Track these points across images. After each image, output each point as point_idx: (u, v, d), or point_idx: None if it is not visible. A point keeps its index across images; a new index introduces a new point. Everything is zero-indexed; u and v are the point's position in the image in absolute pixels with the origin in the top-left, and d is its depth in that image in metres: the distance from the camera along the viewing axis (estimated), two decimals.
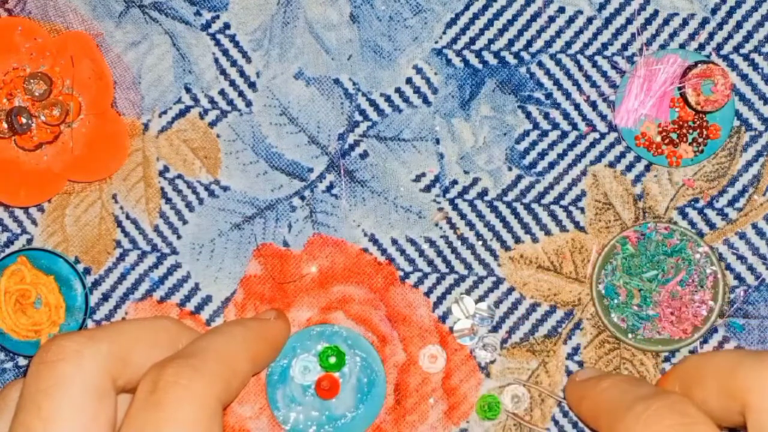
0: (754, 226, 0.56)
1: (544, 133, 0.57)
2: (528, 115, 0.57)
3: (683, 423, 0.39)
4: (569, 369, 0.56)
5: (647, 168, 0.56)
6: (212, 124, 0.58)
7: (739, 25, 0.56)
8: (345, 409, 0.55)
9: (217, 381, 0.41)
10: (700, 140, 0.55)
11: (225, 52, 0.58)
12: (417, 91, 0.57)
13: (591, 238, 0.56)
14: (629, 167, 0.57)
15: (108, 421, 0.40)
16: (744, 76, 0.56)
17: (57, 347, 0.40)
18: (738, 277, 0.56)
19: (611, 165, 0.57)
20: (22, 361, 0.58)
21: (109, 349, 0.41)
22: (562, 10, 0.57)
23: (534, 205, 0.57)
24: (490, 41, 0.57)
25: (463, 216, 0.57)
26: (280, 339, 0.53)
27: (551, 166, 0.57)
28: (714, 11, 0.57)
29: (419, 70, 0.57)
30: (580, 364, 0.56)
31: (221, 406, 0.41)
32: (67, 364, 0.40)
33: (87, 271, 0.58)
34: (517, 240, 0.57)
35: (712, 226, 0.56)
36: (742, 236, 0.56)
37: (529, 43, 0.57)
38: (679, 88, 0.55)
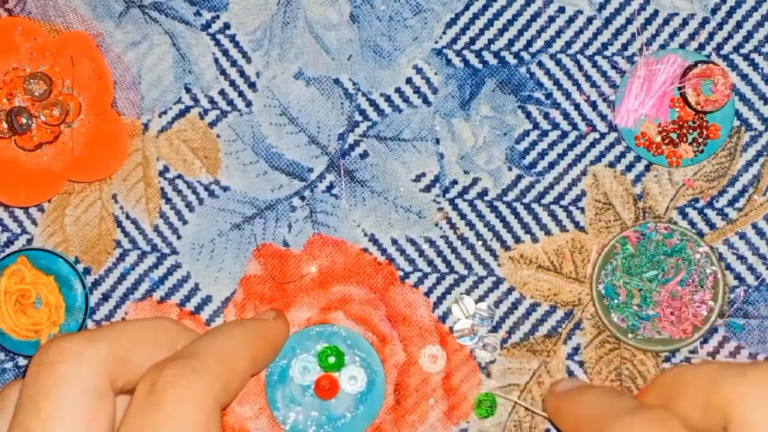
0: (754, 226, 0.56)
1: (544, 133, 0.57)
2: (528, 115, 0.57)
3: None
4: (570, 369, 0.56)
5: (647, 168, 0.56)
6: (212, 124, 0.58)
7: (739, 25, 0.56)
8: (345, 409, 0.55)
9: (216, 381, 0.41)
10: (700, 140, 0.55)
11: (225, 52, 0.58)
12: (417, 91, 0.57)
13: (591, 238, 0.56)
14: (629, 167, 0.57)
15: (107, 422, 0.40)
16: (744, 76, 0.56)
17: (56, 348, 0.40)
18: (738, 277, 0.56)
19: (611, 165, 0.57)
20: (22, 361, 0.58)
21: (108, 350, 0.41)
22: (562, 10, 0.57)
23: (534, 205, 0.57)
24: (490, 41, 0.57)
25: (463, 216, 0.57)
26: (279, 339, 0.53)
27: (551, 166, 0.57)
28: (714, 11, 0.56)
29: (419, 70, 0.57)
30: (581, 364, 0.56)
31: (220, 406, 0.41)
32: (67, 365, 0.40)
33: (87, 271, 0.58)
34: (517, 240, 0.57)
35: (712, 226, 0.56)
36: (742, 236, 0.56)
37: (529, 43, 0.57)
38: (679, 88, 0.55)
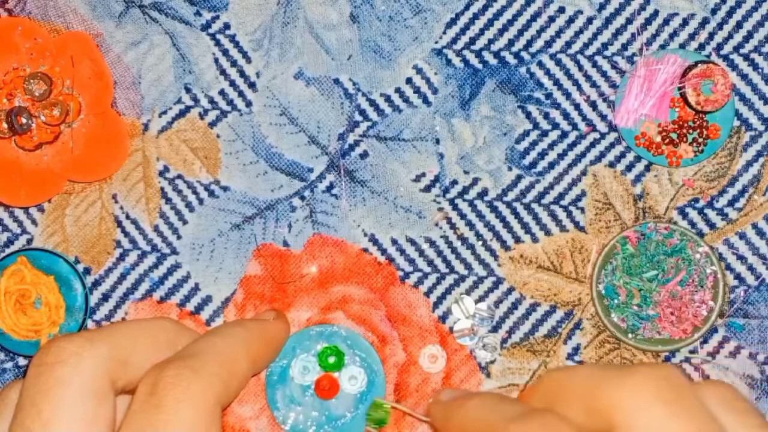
0: (754, 226, 0.56)
1: (544, 133, 0.57)
2: (528, 115, 0.57)
3: None
4: None
5: (647, 168, 0.56)
6: (212, 124, 0.58)
7: (739, 25, 0.56)
8: (345, 409, 0.55)
9: (216, 382, 0.41)
10: (700, 140, 0.55)
11: (225, 52, 0.58)
12: (417, 91, 0.57)
13: (591, 238, 0.56)
14: (629, 167, 0.57)
15: (107, 423, 0.40)
16: (744, 76, 0.56)
17: (56, 349, 0.40)
18: (738, 277, 0.56)
19: (611, 165, 0.57)
20: (22, 361, 0.58)
21: (108, 351, 0.41)
22: (562, 10, 0.57)
23: (534, 205, 0.57)
24: (490, 41, 0.57)
25: (463, 216, 0.57)
26: (279, 339, 0.53)
27: (551, 166, 0.57)
28: (714, 11, 0.56)
29: (419, 70, 0.57)
30: (581, 364, 0.56)
31: (220, 407, 0.41)
32: (67, 366, 0.40)
33: (87, 271, 0.58)
34: (517, 240, 0.57)
35: (712, 226, 0.56)
36: (742, 236, 0.56)
37: (529, 43, 0.57)
38: (679, 88, 0.55)
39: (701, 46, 0.57)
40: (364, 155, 0.57)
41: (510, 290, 0.57)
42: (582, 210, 0.57)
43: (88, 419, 0.39)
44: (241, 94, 0.58)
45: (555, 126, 0.57)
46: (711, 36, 0.57)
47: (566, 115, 0.57)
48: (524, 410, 0.40)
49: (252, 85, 0.58)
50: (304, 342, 0.55)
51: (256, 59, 0.58)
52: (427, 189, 0.57)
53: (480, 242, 0.57)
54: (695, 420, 0.36)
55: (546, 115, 0.57)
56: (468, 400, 0.45)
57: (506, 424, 0.40)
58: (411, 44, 0.57)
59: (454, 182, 0.57)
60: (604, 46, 0.57)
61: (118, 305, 0.58)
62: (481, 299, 0.57)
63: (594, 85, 0.57)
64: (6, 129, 0.56)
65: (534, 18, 0.57)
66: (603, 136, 0.57)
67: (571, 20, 0.57)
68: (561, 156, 0.57)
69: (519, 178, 0.57)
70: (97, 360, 0.40)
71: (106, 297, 0.58)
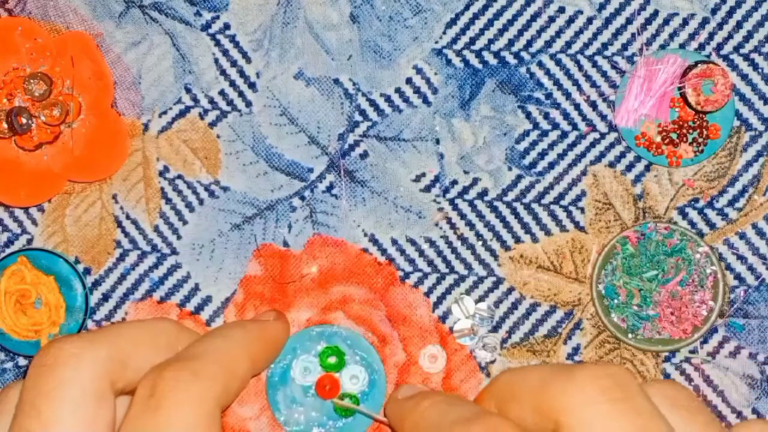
0: (754, 226, 0.56)
1: (544, 133, 0.57)
2: (528, 115, 0.57)
3: None
4: None
5: (647, 168, 0.56)
6: (212, 125, 0.58)
7: (739, 25, 0.56)
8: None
9: (216, 383, 0.41)
10: (700, 140, 0.55)
11: (225, 53, 0.58)
12: (417, 91, 0.57)
13: (591, 238, 0.56)
14: (629, 167, 0.57)
15: (107, 425, 0.40)
16: (744, 76, 0.56)
17: (56, 350, 0.40)
18: (738, 277, 0.56)
19: (611, 165, 0.57)
20: (22, 361, 0.58)
21: (108, 352, 0.41)
22: (562, 10, 0.57)
23: (534, 205, 0.57)
24: (490, 41, 0.57)
25: (463, 216, 0.57)
26: (279, 340, 0.53)
27: (551, 166, 0.57)
28: (714, 11, 0.56)
29: (419, 70, 0.57)
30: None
31: (220, 408, 0.41)
32: (67, 367, 0.40)
33: (87, 271, 0.58)
34: (517, 240, 0.57)
35: (712, 226, 0.56)
36: (742, 236, 0.56)
37: (529, 43, 0.57)
38: (679, 88, 0.55)
39: (701, 46, 0.56)
40: (364, 155, 0.57)
41: (510, 290, 0.57)
42: (582, 210, 0.57)
43: (88, 421, 0.39)
44: (241, 94, 0.58)
45: (555, 126, 0.57)
46: (711, 36, 0.57)
47: (566, 115, 0.57)
48: (472, 413, 0.40)
49: (252, 86, 0.58)
50: (304, 342, 0.55)
51: (256, 59, 0.58)
52: (427, 189, 0.57)
53: (480, 242, 0.57)
54: (641, 417, 0.36)
55: (546, 115, 0.57)
56: (422, 401, 0.45)
57: (451, 427, 0.40)
58: (411, 44, 0.57)
59: (454, 182, 0.57)
60: (604, 46, 0.57)
61: (118, 305, 0.58)
62: (481, 299, 0.57)
63: (594, 85, 0.57)
64: (6, 129, 0.56)
65: (534, 18, 0.57)
66: (603, 136, 0.57)
67: (571, 20, 0.57)
68: (561, 156, 0.57)
69: (519, 178, 0.57)
70: (97, 361, 0.40)
71: (106, 297, 0.58)
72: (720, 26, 0.56)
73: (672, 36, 0.57)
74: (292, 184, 0.57)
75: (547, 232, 0.57)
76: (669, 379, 0.40)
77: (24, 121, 0.56)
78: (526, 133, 0.57)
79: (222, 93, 0.58)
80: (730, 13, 0.56)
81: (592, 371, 0.37)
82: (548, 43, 0.57)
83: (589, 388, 0.37)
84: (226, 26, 0.58)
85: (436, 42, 0.57)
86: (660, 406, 0.37)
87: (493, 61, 0.57)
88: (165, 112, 0.58)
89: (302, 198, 0.57)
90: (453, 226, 0.57)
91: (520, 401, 0.40)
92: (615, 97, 0.57)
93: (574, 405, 0.37)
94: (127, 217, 0.58)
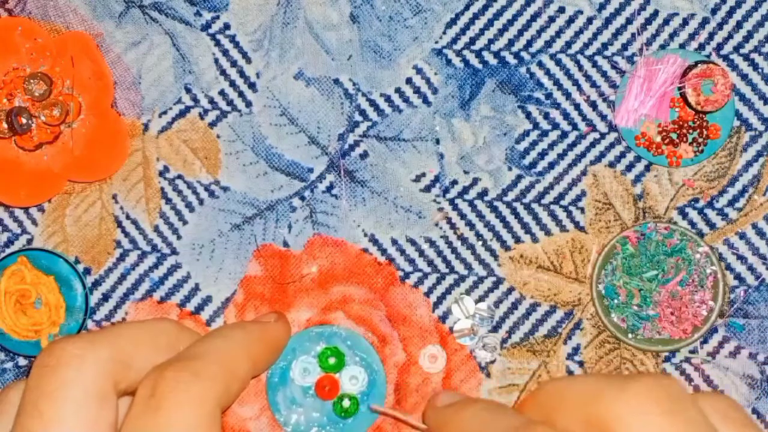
0: (754, 226, 0.56)
1: (544, 133, 0.57)
2: (528, 115, 0.57)
3: None
4: (570, 369, 0.56)
5: (647, 168, 0.56)
6: (212, 125, 0.58)
7: (739, 25, 0.56)
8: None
9: (216, 384, 0.41)
10: (700, 140, 0.55)
11: (225, 53, 0.58)
12: (417, 91, 0.57)
13: (591, 238, 0.56)
14: (629, 167, 0.57)
15: (109, 425, 0.40)
16: (744, 76, 0.56)
17: (59, 351, 0.40)
18: (738, 277, 0.56)
19: (611, 165, 0.57)
20: (22, 361, 0.58)
21: (110, 353, 0.41)
22: (562, 10, 0.57)
23: (534, 205, 0.57)
24: (490, 41, 0.57)
25: (463, 216, 0.57)
26: (280, 341, 0.53)
27: (551, 166, 0.57)
28: (714, 11, 0.56)
29: (419, 70, 0.57)
30: (581, 364, 0.56)
31: (220, 409, 0.41)
32: (69, 368, 0.40)
33: (87, 271, 0.58)
34: (517, 240, 0.57)
35: (712, 226, 0.56)
36: (742, 236, 0.56)
37: (529, 43, 0.57)
38: (679, 88, 0.55)
39: (701, 46, 0.57)
40: (364, 155, 0.57)
41: (510, 290, 0.57)
42: (582, 210, 0.57)
43: (90, 422, 0.39)
44: (241, 94, 0.58)
45: (555, 126, 0.57)
46: (711, 36, 0.57)
47: (566, 115, 0.57)
48: (518, 423, 0.40)
49: (252, 86, 0.58)
50: (303, 343, 0.55)
51: (256, 59, 0.58)
52: (427, 189, 0.57)
53: (480, 242, 0.57)
54: (693, 430, 0.36)
55: (546, 115, 0.57)
56: (464, 409, 0.45)
57: None
58: (411, 44, 0.57)
59: (454, 182, 0.57)
60: (604, 46, 0.57)
61: (118, 305, 0.58)
62: (481, 299, 0.57)
63: (594, 85, 0.57)
64: (6, 129, 0.56)
65: (534, 18, 0.57)
66: (603, 136, 0.57)
67: (571, 20, 0.57)
68: (561, 156, 0.57)
69: (519, 178, 0.57)
70: (99, 362, 0.40)
71: (106, 297, 0.58)
72: (720, 26, 0.56)
73: (672, 36, 0.57)
74: (292, 185, 0.57)
75: (547, 232, 0.57)
76: (720, 392, 0.40)
77: (24, 121, 0.56)
78: (526, 133, 0.57)
79: (222, 93, 0.58)
80: (730, 13, 0.56)
81: (646, 382, 0.37)
82: (548, 43, 0.57)
83: (643, 399, 0.36)
84: (226, 26, 0.58)
85: (436, 42, 0.57)
86: (711, 418, 0.37)
87: (493, 61, 0.57)
88: (165, 112, 0.58)
89: (302, 198, 0.57)
90: (453, 226, 0.57)
91: (568, 411, 0.39)
92: (615, 97, 0.57)
93: (627, 416, 0.36)
94: (127, 217, 0.58)
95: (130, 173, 0.58)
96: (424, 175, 0.57)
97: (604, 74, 0.57)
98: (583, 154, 0.57)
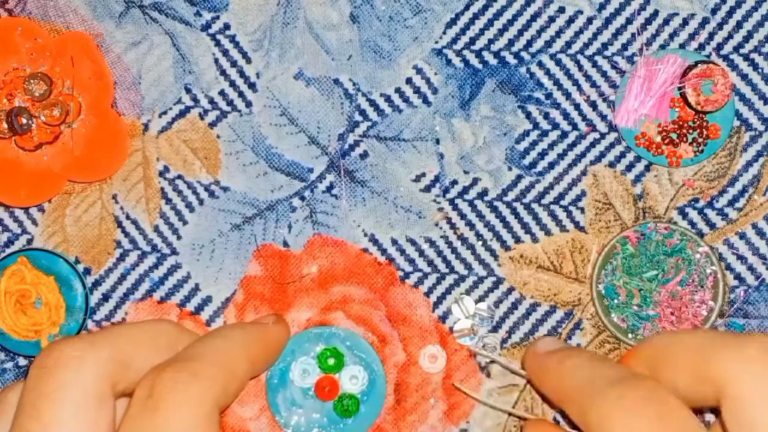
0: (754, 226, 0.56)
1: (544, 133, 0.57)
2: (528, 115, 0.57)
3: (661, 411, 0.37)
4: None
5: (647, 168, 0.56)
6: (212, 125, 0.58)
7: (739, 25, 0.56)
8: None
9: (214, 385, 0.41)
10: (700, 140, 0.55)
11: (225, 53, 0.58)
12: (417, 91, 0.57)
13: (591, 238, 0.56)
14: (629, 167, 0.57)
15: (108, 426, 0.40)
16: (744, 76, 0.56)
17: (58, 353, 0.40)
18: (738, 277, 0.56)
19: (611, 165, 0.57)
20: (22, 361, 0.58)
21: (109, 354, 0.41)
22: (562, 10, 0.57)
23: (534, 205, 0.57)
24: (490, 41, 0.57)
25: (463, 216, 0.57)
26: (279, 342, 0.53)
27: (551, 166, 0.57)
28: (714, 11, 0.56)
29: (419, 70, 0.57)
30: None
31: (219, 409, 0.42)
32: (68, 370, 0.40)
33: (87, 271, 0.58)
34: (517, 240, 0.57)
35: (712, 226, 0.56)
36: (742, 236, 0.56)
37: (529, 43, 0.57)
38: (679, 88, 0.55)
39: (701, 46, 0.56)
40: (364, 155, 0.57)
41: (510, 290, 0.57)
42: (582, 210, 0.57)
43: (89, 422, 0.39)
44: (241, 94, 0.58)
45: (555, 126, 0.57)
46: (711, 36, 0.56)
47: (566, 115, 0.57)
48: (623, 375, 0.39)
49: (252, 86, 0.58)
50: (302, 344, 0.55)
51: (256, 59, 0.58)
52: (427, 189, 0.57)
53: (480, 242, 0.57)
54: None
55: (546, 115, 0.57)
56: (567, 358, 0.44)
57: (605, 388, 0.39)
58: (411, 44, 0.57)
59: (454, 182, 0.57)
60: (604, 46, 0.57)
61: (118, 305, 0.58)
62: (481, 299, 0.57)
63: (594, 85, 0.57)
64: (6, 129, 0.56)
65: (534, 18, 0.57)
66: (603, 136, 0.57)
67: (571, 20, 0.57)
68: (561, 156, 0.57)
69: (519, 178, 0.57)
70: (98, 363, 0.40)
71: (106, 297, 0.58)
72: (720, 26, 0.56)
73: (672, 36, 0.57)
74: (292, 185, 0.57)
75: (547, 232, 0.57)
76: None
77: (24, 121, 0.56)
78: (526, 133, 0.57)
79: (222, 93, 0.58)
80: (730, 13, 0.56)
81: (764, 342, 0.37)
82: (548, 43, 0.57)
83: (761, 360, 0.36)
84: (226, 26, 0.58)
85: (436, 42, 0.57)
86: None
87: (493, 61, 0.57)
88: (165, 112, 0.58)
89: (302, 198, 0.57)
90: (453, 226, 0.57)
91: (676, 365, 0.39)
92: (615, 97, 0.56)
93: (743, 376, 0.36)
94: (127, 217, 0.58)
95: (130, 173, 0.58)
96: (424, 175, 0.57)
97: (604, 74, 0.57)
98: (583, 154, 0.57)
